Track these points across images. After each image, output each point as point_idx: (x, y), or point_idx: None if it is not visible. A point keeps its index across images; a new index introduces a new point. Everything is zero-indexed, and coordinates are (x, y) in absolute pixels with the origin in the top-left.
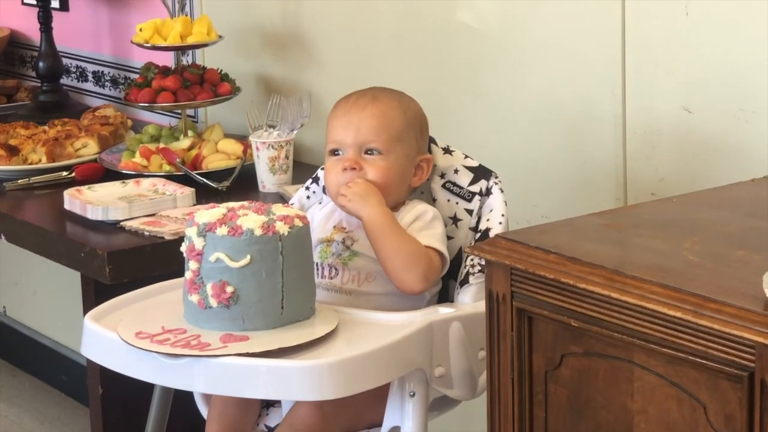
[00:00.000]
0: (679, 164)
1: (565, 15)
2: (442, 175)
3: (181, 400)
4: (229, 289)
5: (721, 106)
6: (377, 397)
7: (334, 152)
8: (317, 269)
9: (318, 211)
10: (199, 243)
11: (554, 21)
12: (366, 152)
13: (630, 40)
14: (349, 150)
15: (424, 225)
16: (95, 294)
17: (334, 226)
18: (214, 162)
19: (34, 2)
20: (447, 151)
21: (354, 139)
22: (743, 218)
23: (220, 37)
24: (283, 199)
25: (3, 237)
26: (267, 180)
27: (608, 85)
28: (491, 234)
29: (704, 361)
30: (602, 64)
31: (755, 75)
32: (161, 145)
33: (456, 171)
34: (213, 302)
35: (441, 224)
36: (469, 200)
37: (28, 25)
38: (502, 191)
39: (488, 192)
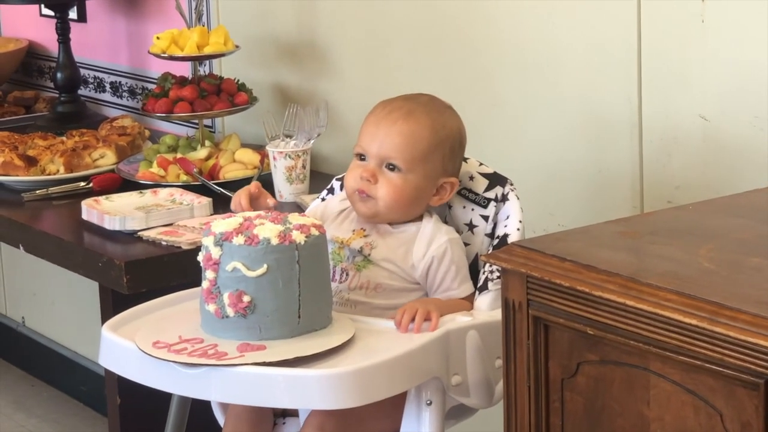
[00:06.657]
0: (695, 172)
1: (581, 24)
2: None
3: (199, 409)
4: (246, 299)
5: (737, 114)
6: (393, 406)
7: (360, 155)
8: None
9: (338, 201)
10: (215, 252)
11: (570, 30)
12: (387, 166)
13: (645, 48)
14: (371, 160)
15: (452, 267)
16: (113, 304)
17: (354, 230)
18: (231, 172)
19: (52, 14)
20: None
21: (377, 150)
22: (759, 225)
23: (236, 46)
24: (300, 208)
25: (21, 247)
26: (284, 189)
27: (624, 94)
28: (509, 240)
29: (720, 369)
30: (618, 73)
31: None
32: (178, 155)
33: (471, 178)
34: (230, 311)
35: (461, 250)
36: (485, 206)
37: (46, 37)
38: (518, 198)
39: (504, 198)
